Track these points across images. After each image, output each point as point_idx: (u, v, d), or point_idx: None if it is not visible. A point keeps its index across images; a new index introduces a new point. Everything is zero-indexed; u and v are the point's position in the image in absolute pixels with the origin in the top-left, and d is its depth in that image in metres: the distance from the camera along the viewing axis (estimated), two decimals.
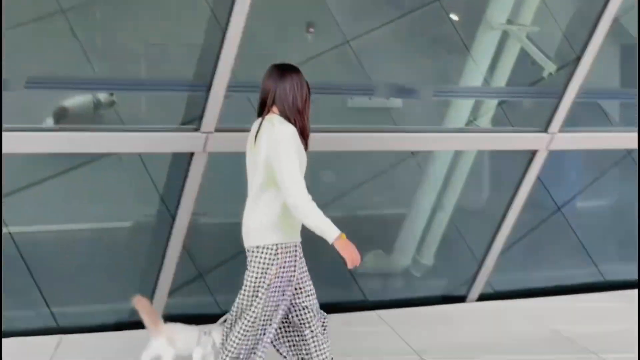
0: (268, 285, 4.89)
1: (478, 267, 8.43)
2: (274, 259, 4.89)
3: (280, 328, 5.14)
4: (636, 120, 9.33)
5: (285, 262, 4.92)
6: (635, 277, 9.20)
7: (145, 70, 7.22)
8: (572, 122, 8.25)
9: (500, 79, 8.30)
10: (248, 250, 4.96)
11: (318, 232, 4.82)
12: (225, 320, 5.49)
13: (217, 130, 6.85)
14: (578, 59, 7.96)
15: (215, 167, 7.10)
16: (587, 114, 8.73)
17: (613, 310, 8.11)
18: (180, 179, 7.00)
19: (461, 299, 8.43)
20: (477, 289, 8.44)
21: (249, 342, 4.96)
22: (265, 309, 4.92)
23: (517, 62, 8.24)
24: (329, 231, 4.82)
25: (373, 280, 8.25)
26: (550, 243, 9.00)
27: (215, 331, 5.79)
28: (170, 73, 7.28)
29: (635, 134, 8.88)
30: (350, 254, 4.90)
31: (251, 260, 4.93)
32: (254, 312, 4.92)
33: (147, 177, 7.20)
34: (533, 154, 8.22)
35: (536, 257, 8.93)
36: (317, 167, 8.13)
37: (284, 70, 4.93)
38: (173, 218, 7.08)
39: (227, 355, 4.99)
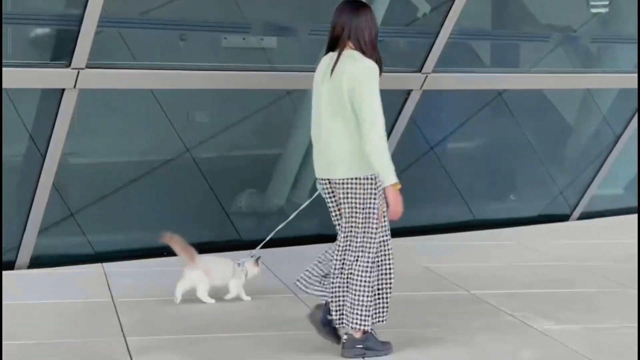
0: (374, 213, 4.99)
1: None
2: (376, 189, 4.97)
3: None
4: (509, 61, 9.52)
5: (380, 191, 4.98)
6: (505, 216, 9.42)
7: (12, 4, 6.97)
8: (445, 63, 8.33)
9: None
10: (343, 181, 4.97)
11: (381, 171, 4.87)
12: (258, 257, 6.20)
13: (89, 66, 6.69)
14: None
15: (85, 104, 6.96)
16: (459, 55, 8.82)
17: (483, 248, 8.29)
18: (51, 116, 6.82)
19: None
20: None
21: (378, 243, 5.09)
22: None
23: (391, 1, 8.24)
24: (391, 175, 4.90)
25: (247, 220, 8.22)
26: (423, 183, 9.11)
27: (248, 263, 6.18)
28: (38, 6, 7.07)
29: (507, 74, 9.05)
30: (396, 205, 4.99)
31: (354, 191, 4.96)
32: (372, 224, 5.02)
33: (15, 115, 6.99)
34: (408, 93, 8.28)
35: (409, 196, 9.00)
36: (190, 106, 8.05)
37: (358, 6, 4.95)
38: (43, 157, 6.90)
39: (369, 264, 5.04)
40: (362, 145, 4.84)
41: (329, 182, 5.08)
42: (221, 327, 5.64)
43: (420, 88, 8.25)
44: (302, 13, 8.48)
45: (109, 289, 6.57)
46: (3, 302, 5.88)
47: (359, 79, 4.84)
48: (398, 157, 8.42)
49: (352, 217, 5.01)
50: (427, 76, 8.19)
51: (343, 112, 4.91)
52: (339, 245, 5.10)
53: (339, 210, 5.12)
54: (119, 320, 5.74)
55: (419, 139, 8.89)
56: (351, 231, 5.04)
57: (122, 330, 5.53)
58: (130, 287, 6.63)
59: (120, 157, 7.84)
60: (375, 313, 5.09)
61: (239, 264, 6.19)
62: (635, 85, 9.37)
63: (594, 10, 10.40)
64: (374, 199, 4.98)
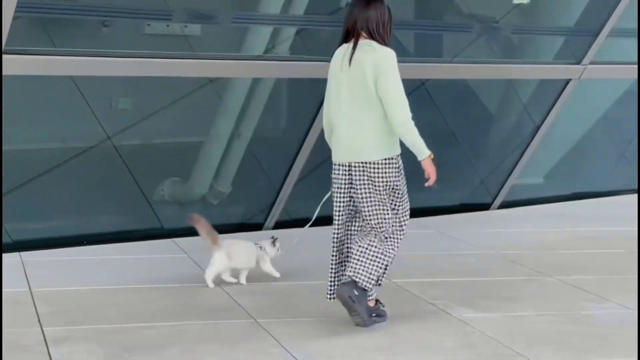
0: (400, 190, 5.51)
1: (276, 194, 8.48)
2: (399, 169, 5.45)
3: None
4: (432, 51, 9.57)
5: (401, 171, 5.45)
6: (427, 204, 9.47)
7: None
8: None
9: (299, 7, 8.29)
10: (366, 164, 5.30)
11: (415, 147, 5.34)
12: (275, 239, 6.46)
13: (7, 52, 6.59)
14: None
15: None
16: None
17: (404, 237, 8.30)
18: None
19: (259, 226, 8.47)
20: (274, 216, 8.50)
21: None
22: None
23: None
24: (423, 149, 5.39)
25: (169, 208, 8.17)
26: None
27: (268, 246, 6.44)
28: None
29: (430, 64, 9.11)
30: (433, 173, 5.52)
31: (377, 173, 5.33)
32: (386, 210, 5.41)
33: None
34: None
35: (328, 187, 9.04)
36: (113, 93, 7.97)
37: (382, 2, 5.31)
38: None
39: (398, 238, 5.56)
40: (393, 126, 5.25)
41: (349, 167, 5.36)
42: (141, 317, 5.60)
43: None
44: (226, 0, 8.45)
45: (26, 278, 6.47)
46: None
47: (382, 67, 5.18)
48: (318, 147, 8.51)
49: (376, 198, 5.35)
50: None
51: (367, 98, 5.24)
52: (351, 231, 5.50)
53: (350, 195, 5.42)
54: (36, 310, 5.67)
55: None
56: (374, 212, 5.37)
57: (39, 320, 5.45)
58: (48, 277, 6.55)
59: (39, 144, 7.73)
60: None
61: (261, 248, 6.42)
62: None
63: (516, 1, 10.53)
64: (400, 176, 5.47)
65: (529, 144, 9.90)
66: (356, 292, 5.36)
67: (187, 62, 7.73)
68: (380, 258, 5.42)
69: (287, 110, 8.92)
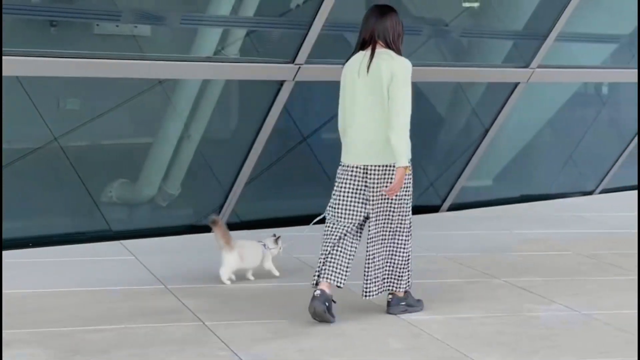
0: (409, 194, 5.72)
1: (225, 196, 8.45)
2: (411, 172, 5.69)
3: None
4: None
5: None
6: None
7: None
8: (319, 54, 8.36)
9: (249, 9, 8.27)
10: (383, 167, 5.56)
11: (397, 152, 5.48)
12: (278, 237, 6.70)
13: None
14: None
15: None
16: (332, 47, 8.85)
17: None
18: None
19: (208, 228, 8.41)
20: (224, 218, 8.46)
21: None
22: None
23: None
24: (404, 159, 5.52)
25: (117, 210, 8.11)
26: (296, 173, 9.14)
27: (271, 244, 6.70)
28: None
29: None
30: (400, 183, 5.53)
31: (391, 177, 5.56)
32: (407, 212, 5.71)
33: None
34: (280, 84, 8.28)
35: (282, 186, 9.04)
36: (61, 93, 7.89)
37: (385, 10, 5.62)
38: None
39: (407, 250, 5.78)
40: (389, 129, 5.48)
41: (365, 168, 5.59)
42: (87, 320, 5.54)
43: (293, 79, 8.26)
44: (176, 2, 8.41)
45: None
46: None
47: (397, 76, 5.47)
48: (270, 148, 8.51)
49: (396, 201, 5.61)
50: (300, 67, 8.21)
51: (383, 103, 5.51)
52: (370, 229, 5.66)
53: (364, 196, 5.63)
54: None
55: (292, 129, 8.90)
56: (390, 211, 5.65)
57: None
58: None
59: None
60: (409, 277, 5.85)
61: (265, 246, 6.68)
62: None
63: (466, 4, 10.58)
64: (411, 179, 5.69)
65: (478, 147, 9.95)
66: (405, 303, 5.85)
67: (136, 63, 7.67)
68: (406, 261, 5.79)
69: (237, 112, 8.90)
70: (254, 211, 8.75)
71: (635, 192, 11.41)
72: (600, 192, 11.37)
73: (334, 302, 5.66)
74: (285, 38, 8.58)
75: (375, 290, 5.76)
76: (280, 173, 8.89)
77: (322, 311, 5.54)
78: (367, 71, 5.53)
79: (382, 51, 5.55)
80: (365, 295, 5.75)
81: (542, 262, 7.48)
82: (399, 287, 5.80)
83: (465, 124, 10.17)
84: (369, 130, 5.58)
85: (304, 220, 8.82)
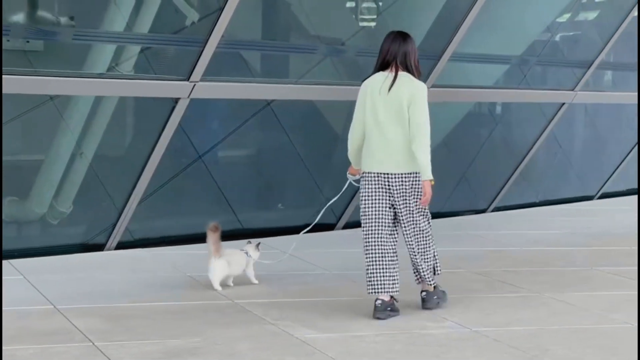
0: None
1: (118, 214, 8.34)
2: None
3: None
4: (279, 72, 9.60)
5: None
6: (273, 225, 9.49)
7: None
8: (214, 72, 8.33)
9: (144, 25, 8.20)
10: (405, 175, 6.24)
11: (423, 166, 6.20)
12: (258, 243, 7.18)
13: None
14: (220, 8, 8.03)
15: None
16: (228, 64, 8.83)
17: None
18: None
19: (100, 247, 8.31)
20: (117, 237, 8.36)
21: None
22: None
23: (160, 9, 8.17)
24: (428, 172, 6.25)
25: (6, 229, 7.93)
26: (191, 191, 9.08)
27: (252, 251, 7.13)
28: None
29: (276, 85, 9.13)
30: (429, 194, 6.29)
31: (411, 184, 6.29)
32: (426, 213, 6.47)
33: None
34: (175, 101, 8.22)
35: (176, 205, 8.97)
36: None
37: (405, 36, 6.30)
38: None
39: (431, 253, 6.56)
40: (414, 145, 6.14)
41: (387, 176, 6.25)
42: None
43: (189, 96, 8.21)
44: (69, 17, 8.28)
45: None
46: None
47: (416, 96, 6.15)
48: (165, 165, 8.43)
49: (414, 203, 6.31)
50: (195, 84, 8.16)
51: (402, 121, 6.17)
52: (406, 231, 6.39)
53: (390, 200, 6.30)
54: None
55: (188, 147, 8.84)
56: (414, 215, 6.35)
57: None
58: None
59: None
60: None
61: (247, 254, 7.11)
62: None
63: (362, 24, 10.67)
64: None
65: None
66: (437, 297, 6.59)
67: (28, 79, 7.53)
68: (434, 257, 6.57)
69: (131, 129, 8.80)
70: (148, 229, 8.66)
71: (524, 210, 11.66)
72: (493, 211, 11.56)
73: (396, 300, 6.39)
74: (181, 55, 8.52)
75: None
76: (175, 191, 8.82)
77: (386, 317, 6.27)
78: (388, 91, 6.17)
79: (402, 74, 6.21)
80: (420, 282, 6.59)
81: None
82: (431, 282, 6.53)
83: None
84: (392, 142, 6.20)
85: (198, 238, 8.79)
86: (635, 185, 14.04)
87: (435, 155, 10.97)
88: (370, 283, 6.31)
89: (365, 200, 6.35)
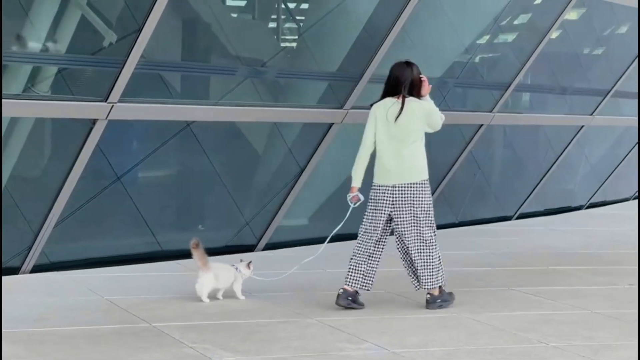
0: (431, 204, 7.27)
1: (34, 237, 8.22)
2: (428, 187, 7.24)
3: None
4: (199, 93, 9.56)
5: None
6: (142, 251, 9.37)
7: None
8: (133, 93, 8.28)
9: (61, 46, 8.12)
10: (412, 185, 7.11)
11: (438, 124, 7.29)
12: (249, 262, 7.58)
13: None
14: (139, 29, 7.99)
15: None
16: (147, 85, 8.78)
17: (166, 279, 8.26)
18: None
19: (15, 270, 8.17)
20: (32, 260, 8.23)
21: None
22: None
23: (77, 29, 8.09)
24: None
25: None
26: (109, 213, 8.99)
27: (241, 266, 7.50)
28: None
29: (195, 106, 9.10)
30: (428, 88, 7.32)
31: (420, 191, 7.14)
32: (432, 218, 7.24)
33: None
34: (93, 123, 8.15)
35: (94, 227, 8.87)
36: None
37: (409, 65, 7.22)
38: None
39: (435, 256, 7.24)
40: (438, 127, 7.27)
41: (395, 188, 7.12)
42: None
43: (106, 118, 8.14)
44: None
45: None
46: None
47: (430, 111, 7.16)
48: (83, 187, 8.33)
49: (421, 210, 7.13)
50: (113, 106, 8.10)
51: (417, 135, 7.14)
52: (408, 239, 7.17)
53: (388, 212, 7.16)
54: None
55: (106, 168, 8.75)
56: (420, 221, 7.14)
57: None
58: None
59: None
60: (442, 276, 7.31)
61: (237, 269, 7.47)
62: None
63: (283, 44, 10.71)
64: (430, 196, 7.26)
65: (293, 186, 10.04)
66: (440, 300, 7.28)
67: None
68: (438, 261, 7.21)
69: (48, 151, 8.68)
70: (65, 252, 8.55)
71: (443, 230, 11.74)
72: None
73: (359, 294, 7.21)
74: (99, 76, 8.44)
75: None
76: (93, 213, 8.73)
77: (346, 304, 7.14)
78: (400, 113, 7.07)
79: (410, 99, 7.11)
80: (423, 287, 7.29)
81: None
82: (433, 286, 7.19)
83: (281, 163, 10.25)
84: (406, 156, 7.10)
85: (116, 261, 8.72)
86: (552, 206, 14.29)
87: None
88: (346, 276, 7.26)
89: (370, 206, 7.25)
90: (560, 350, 6.24)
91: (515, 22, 12.81)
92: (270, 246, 10.02)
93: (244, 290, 7.54)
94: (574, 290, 8.28)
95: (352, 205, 7.39)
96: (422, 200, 7.16)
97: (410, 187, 7.13)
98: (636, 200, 16.79)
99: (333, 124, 10.00)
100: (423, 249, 7.20)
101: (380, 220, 7.21)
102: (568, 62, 13.51)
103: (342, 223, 7.60)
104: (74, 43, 8.10)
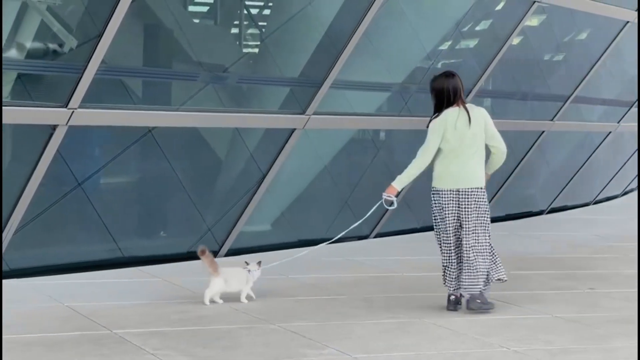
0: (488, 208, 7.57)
1: None
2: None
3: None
4: (161, 99, 9.53)
5: None
6: (154, 252, 9.41)
7: None
8: (94, 99, 8.24)
9: (20, 51, 8.06)
10: (474, 189, 7.41)
11: (498, 165, 7.66)
12: (259, 262, 7.79)
13: None
14: (100, 35, 7.95)
15: None
16: (108, 91, 8.74)
17: (128, 286, 8.22)
18: None
19: None
20: None
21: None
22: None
23: (37, 34, 8.04)
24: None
25: None
26: (70, 219, 8.93)
27: (254, 269, 7.68)
28: None
29: (157, 112, 9.06)
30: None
31: (480, 197, 7.44)
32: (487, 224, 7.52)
33: None
34: (53, 128, 8.10)
35: (54, 233, 8.81)
36: None
37: (454, 74, 7.54)
38: None
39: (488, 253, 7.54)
40: (502, 153, 7.57)
41: (459, 192, 7.39)
42: None
43: (67, 123, 8.09)
44: None
45: None
46: None
47: (487, 117, 7.51)
48: (43, 193, 8.27)
49: (481, 215, 7.42)
50: (73, 111, 8.05)
51: (481, 143, 7.47)
52: (468, 242, 7.41)
53: (457, 215, 7.43)
54: None
55: (66, 174, 8.69)
56: (480, 225, 7.43)
57: None
58: None
59: None
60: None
61: (249, 271, 7.65)
62: None
63: (246, 50, 10.70)
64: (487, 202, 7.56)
65: (255, 192, 10.03)
66: (481, 300, 7.44)
67: None
68: (481, 266, 7.43)
69: (7, 157, 8.60)
70: (25, 259, 8.48)
71: (406, 235, 11.80)
72: (375, 237, 11.67)
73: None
74: (59, 81, 8.39)
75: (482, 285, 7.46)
76: (53, 220, 8.66)
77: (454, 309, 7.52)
78: (470, 123, 7.38)
79: (469, 106, 7.45)
80: (469, 291, 7.46)
81: (316, 307, 7.58)
82: (488, 283, 7.52)
83: (243, 169, 10.23)
84: (470, 163, 7.41)
85: (77, 267, 8.66)
86: (514, 211, 14.38)
87: (318, 181, 11.17)
88: (446, 280, 7.59)
89: (439, 212, 7.47)
90: (520, 355, 6.27)
91: (477, 28, 12.88)
92: (233, 252, 9.99)
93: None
94: (535, 294, 8.33)
95: (387, 207, 7.73)
96: (484, 205, 7.47)
97: (475, 191, 7.41)
98: (596, 205, 16.95)
99: (295, 129, 10.00)
100: (478, 252, 7.45)
101: (452, 223, 7.47)
102: (529, 68, 13.60)
103: (361, 220, 8.37)
104: (34, 48, 8.05)
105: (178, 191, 9.65)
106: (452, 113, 7.43)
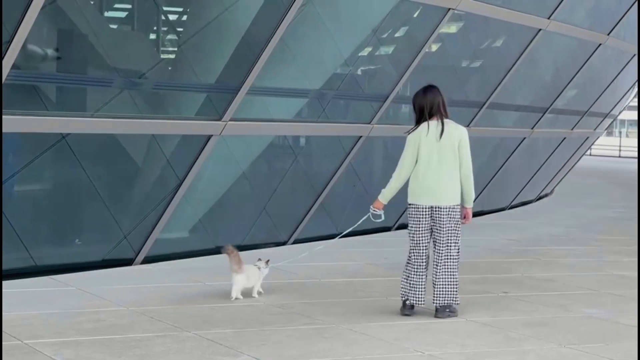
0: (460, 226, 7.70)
1: None
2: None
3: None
4: (75, 105, 9.40)
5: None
6: (68, 261, 9.27)
7: None
8: (7, 104, 8.09)
9: None
10: (448, 208, 7.57)
11: (467, 196, 7.68)
12: (267, 260, 8.33)
13: None
14: (10, 39, 7.82)
15: None
16: (20, 97, 8.59)
17: (42, 295, 8.09)
18: None
19: None
20: None
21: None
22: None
23: None
24: (472, 199, 7.76)
25: None
26: None
27: (263, 267, 8.22)
28: None
29: (71, 118, 8.92)
30: (470, 218, 7.78)
31: (454, 214, 7.60)
32: (458, 239, 7.65)
33: None
34: None
35: None
36: None
37: (433, 87, 7.71)
38: None
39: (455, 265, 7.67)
40: (465, 177, 7.61)
41: (432, 209, 7.57)
42: None
43: None
44: None
45: None
46: None
47: (463, 139, 7.61)
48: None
49: (452, 231, 7.57)
50: None
51: (454, 160, 7.57)
52: (441, 256, 7.59)
53: (431, 230, 7.61)
54: None
55: None
56: (450, 241, 7.58)
57: None
58: None
59: None
60: None
61: (259, 269, 8.18)
62: None
63: (163, 56, 10.61)
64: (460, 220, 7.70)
65: (172, 198, 9.95)
66: (451, 311, 7.63)
67: None
68: (455, 278, 7.63)
69: None
70: None
71: (324, 241, 11.80)
72: (293, 243, 11.66)
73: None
74: (17, 87, 8.23)
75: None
76: None
77: (409, 314, 7.65)
78: (440, 137, 7.52)
79: (446, 121, 7.60)
80: (437, 303, 7.65)
81: (232, 314, 7.54)
82: (454, 300, 7.63)
83: (159, 175, 10.14)
84: (443, 179, 7.53)
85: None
86: None
87: (235, 187, 11.12)
88: (403, 290, 7.69)
89: (413, 225, 7.62)
90: (435, 359, 6.32)
91: (395, 35, 12.96)
92: (149, 259, 9.90)
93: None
94: None
95: (374, 220, 7.88)
96: (457, 221, 7.61)
97: (449, 209, 7.55)
98: (511, 210, 17.18)
99: (212, 135, 9.94)
100: (449, 266, 7.61)
101: (425, 236, 7.63)
102: (446, 74, 13.73)
103: (350, 229, 8.74)
104: None
105: (93, 198, 9.52)
106: (428, 126, 7.60)
